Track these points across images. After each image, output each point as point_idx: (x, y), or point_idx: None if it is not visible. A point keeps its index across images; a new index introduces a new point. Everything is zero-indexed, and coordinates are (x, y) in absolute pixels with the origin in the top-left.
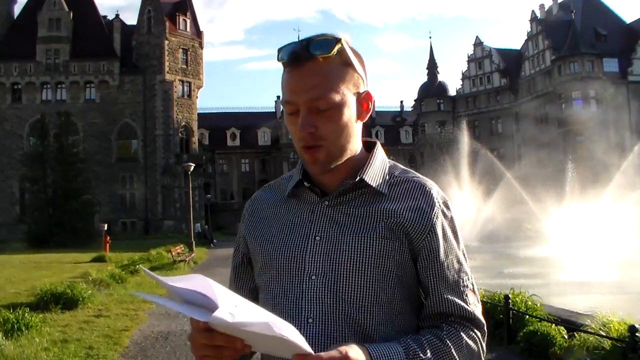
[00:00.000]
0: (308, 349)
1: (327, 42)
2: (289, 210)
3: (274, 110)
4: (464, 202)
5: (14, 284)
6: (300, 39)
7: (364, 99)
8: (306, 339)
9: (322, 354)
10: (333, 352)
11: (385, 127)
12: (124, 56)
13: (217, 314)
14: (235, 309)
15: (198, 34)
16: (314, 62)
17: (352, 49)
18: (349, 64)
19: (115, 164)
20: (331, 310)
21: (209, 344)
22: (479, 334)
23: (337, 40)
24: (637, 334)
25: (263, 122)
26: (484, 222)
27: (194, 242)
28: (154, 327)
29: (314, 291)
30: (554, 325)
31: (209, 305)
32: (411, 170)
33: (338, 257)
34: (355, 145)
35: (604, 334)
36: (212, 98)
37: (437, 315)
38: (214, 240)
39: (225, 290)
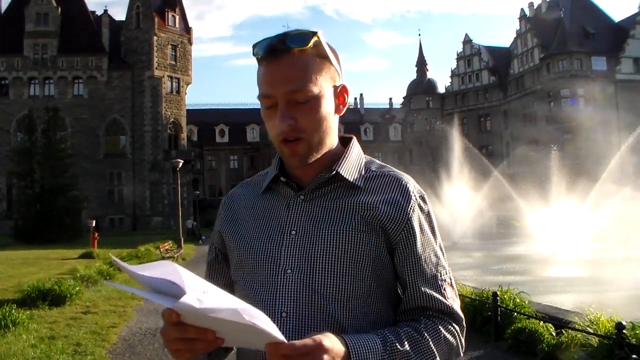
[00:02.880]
0: (280, 336)
1: (304, 35)
2: (264, 205)
3: None
4: (452, 200)
5: (0, 280)
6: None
7: (340, 93)
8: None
9: (296, 342)
10: (307, 340)
11: (374, 124)
12: (113, 52)
13: (184, 299)
14: (203, 295)
15: (187, 30)
16: (290, 55)
17: (327, 43)
18: (325, 57)
19: (103, 159)
20: (306, 304)
21: (181, 337)
22: (457, 328)
23: (313, 34)
24: (624, 331)
25: (252, 119)
26: (472, 220)
27: (182, 239)
28: (141, 324)
29: (288, 285)
30: (541, 322)
31: (177, 292)
32: (387, 165)
33: (313, 251)
34: (332, 139)
35: (591, 331)
36: (201, 94)
37: (415, 309)
38: (202, 237)
39: (194, 277)
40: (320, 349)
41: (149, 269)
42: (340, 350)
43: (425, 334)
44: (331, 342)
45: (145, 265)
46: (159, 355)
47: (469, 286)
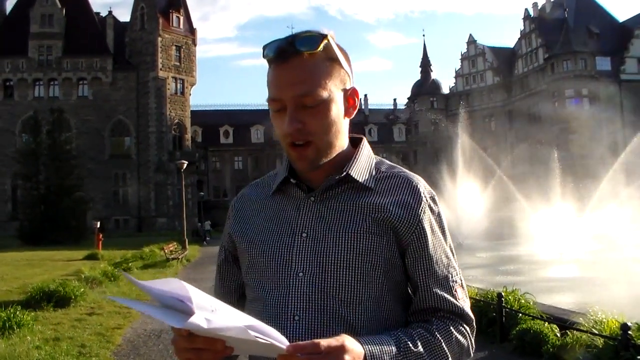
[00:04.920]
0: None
1: (313, 38)
2: (275, 207)
3: (267, 107)
4: (457, 200)
5: (5, 281)
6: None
7: (350, 96)
8: (293, 336)
9: (320, 340)
10: (330, 340)
11: (378, 125)
12: (117, 53)
13: (192, 319)
14: (211, 314)
15: (191, 30)
16: (300, 58)
17: (337, 45)
18: (334, 60)
19: (108, 161)
20: (318, 307)
21: (190, 347)
22: (468, 328)
23: (323, 36)
24: (629, 332)
25: (256, 120)
26: (477, 220)
27: (187, 240)
28: (146, 325)
29: (300, 288)
30: (546, 323)
31: (186, 310)
32: (397, 166)
33: (325, 253)
34: (342, 142)
35: (596, 332)
36: (205, 95)
37: (427, 310)
38: (207, 238)
39: (202, 294)
40: (343, 348)
41: (158, 285)
42: (360, 352)
43: (438, 335)
44: (351, 342)
45: (155, 282)
46: (164, 357)
47: (474, 287)
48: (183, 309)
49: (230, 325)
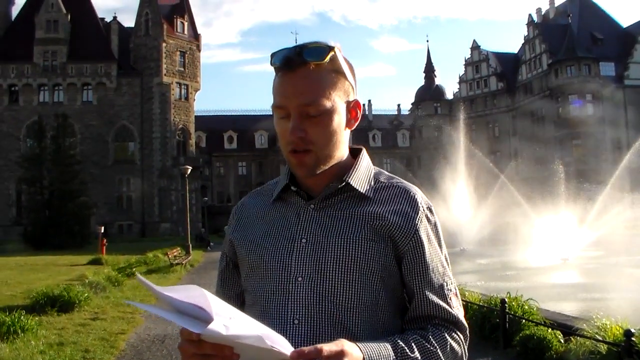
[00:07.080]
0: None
1: (320, 49)
2: (275, 214)
3: (271, 113)
4: (460, 206)
5: (9, 286)
6: (295, 44)
7: (353, 107)
8: (292, 339)
9: (322, 345)
10: (330, 344)
11: (382, 131)
12: (122, 58)
13: (212, 326)
14: (229, 322)
15: (195, 36)
16: (306, 68)
17: (344, 57)
18: (340, 72)
19: (112, 166)
20: (316, 311)
21: (198, 352)
22: (462, 336)
23: (330, 48)
24: (632, 339)
25: (260, 125)
26: (480, 226)
27: (190, 245)
28: (150, 331)
29: (299, 293)
30: (550, 329)
31: (204, 317)
32: (396, 177)
33: (323, 259)
34: (342, 152)
35: (600, 338)
36: (209, 101)
37: (422, 318)
38: (211, 243)
39: (220, 302)
40: (343, 353)
41: (176, 292)
42: (359, 355)
43: (433, 341)
44: (350, 347)
45: (172, 288)
46: None
47: (477, 293)
48: (200, 315)
49: (246, 333)
